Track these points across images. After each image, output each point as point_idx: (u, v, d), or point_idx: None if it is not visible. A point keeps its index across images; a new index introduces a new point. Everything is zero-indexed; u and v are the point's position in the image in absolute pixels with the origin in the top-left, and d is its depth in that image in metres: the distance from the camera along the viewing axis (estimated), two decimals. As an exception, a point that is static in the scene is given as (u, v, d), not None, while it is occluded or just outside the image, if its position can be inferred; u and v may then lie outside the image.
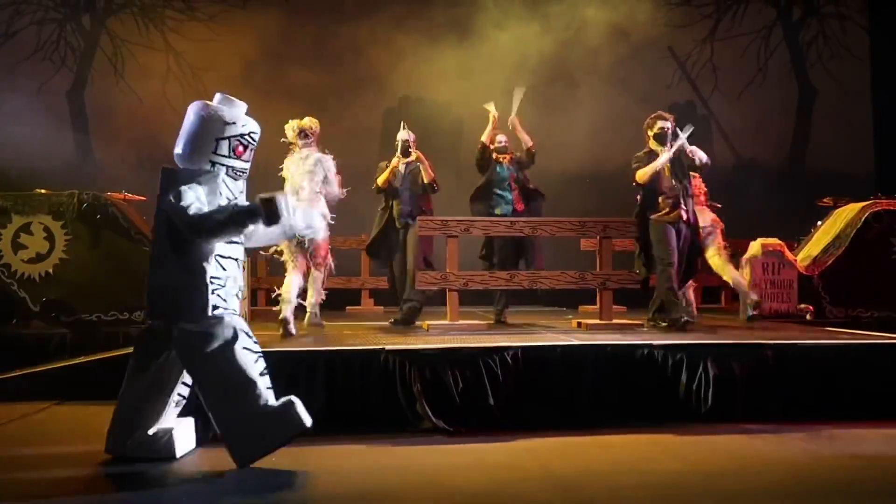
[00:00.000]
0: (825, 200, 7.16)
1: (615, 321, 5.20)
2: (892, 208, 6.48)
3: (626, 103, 10.00)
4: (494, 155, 5.71)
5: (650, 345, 4.14)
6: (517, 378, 3.98)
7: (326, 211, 5.06)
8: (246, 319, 5.98)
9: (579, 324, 5.32)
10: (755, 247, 6.50)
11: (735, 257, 6.48)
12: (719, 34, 10.63)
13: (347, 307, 7.58)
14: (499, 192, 5.67)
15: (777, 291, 6.32)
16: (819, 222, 7.04)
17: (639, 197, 5.28)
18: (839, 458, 3.34)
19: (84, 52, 10.01)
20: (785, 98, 10.49)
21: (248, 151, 3.37)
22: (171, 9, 10.14)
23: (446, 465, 3.26)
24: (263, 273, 7.76)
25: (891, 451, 3.44)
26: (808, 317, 6.30)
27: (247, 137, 3.35)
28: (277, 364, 3.87)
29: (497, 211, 5.63)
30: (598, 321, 5.20)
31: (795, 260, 6.53)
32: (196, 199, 3.18)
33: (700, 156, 5.15)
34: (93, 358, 4.91)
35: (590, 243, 6.91)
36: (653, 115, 5.39)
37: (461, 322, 5.11)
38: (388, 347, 3.98)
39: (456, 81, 9.90)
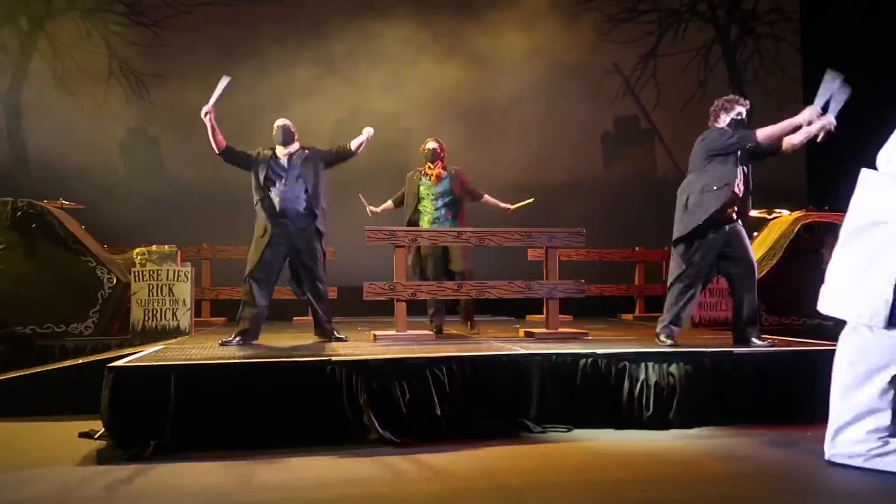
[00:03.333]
0: (760, 212, 7.44)
1: (561, 330, 5.29)
2: (821, 220, 6.77)
3: (573, 116, 10.27)
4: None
5: (594, 353, 4.23)
6: (464, 388, 4.01)
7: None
8: (188, 331, 5.96)
9: (526, 333, 5.39)
10: (695, 257, 6.70)
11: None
12: (661, 50, 10.99)
13: (294, 318, 7.50)
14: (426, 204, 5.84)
15: (716, 300, 6.55)
16: (755, 233, 7.30)
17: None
18: (773, 461, 3.46)
19: (20, 56, 9.69)
20: (723, 114, 10.87)
21: None
22: (115, 13, 9.92)
23: (392, 477, 3.25)
24: (208, 282, 7.62)
25: (821, 454, 3.58)
26: (744, 325, 6.51)
27: None
28: (219, 376, 3.81)
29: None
30: (544, 330, 5.28)
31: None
32: None
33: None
34: (27, 372, 4.72)
35: (537, 253, 7.02)
36: (728, 98, 4.98)
37: (409, 332, 5.12)
38: (334, 359, 3.96)
39: (406, 92, 10.01)
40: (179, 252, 6.35)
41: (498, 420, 4.02)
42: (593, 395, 4.17)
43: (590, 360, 4.20)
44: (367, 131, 5.19)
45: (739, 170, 4.71)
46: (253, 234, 5.09)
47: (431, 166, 5.88)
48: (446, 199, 5.85)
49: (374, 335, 5.16)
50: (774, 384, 4.29)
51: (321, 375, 3.90)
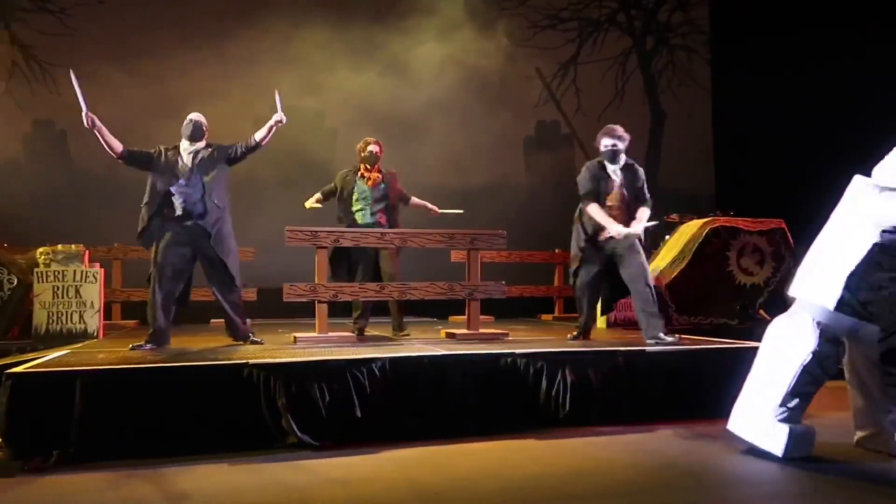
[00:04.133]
0: (672, 217, 7.76)
1: (482, 331, 5.35)
2: (728, 225, 7.12)
3: (494, 121, 10.43)
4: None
5: (513, 353, 4.31)
6: (385, 389, 4.01)
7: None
8: (96, 334, 5.69)
9: (448, 334, 5.43)
10: (611, 259, 6.94)
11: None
12: (582, 58, 11.30)
13: (212, 320, 7.27)
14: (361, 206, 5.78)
15: (630, 301, 6.77)
16: (667, 236, 7.62)
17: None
18: (681, 456, 3.62)
19: None
20: (639, 121, 11.31)
21: None
22: (19, -3, 9.36)
23: (311, 481, 3.22)
24: (119, 284, 7.30)
25: (727, 447, 3.78)
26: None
27: None
28: (129, 382, 3.67)
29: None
30: (465, 331, 5.33)
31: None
32: None
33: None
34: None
35: (459, 255, 7.08)
36: (605, 129, 5.29)
37: (330, 334, 5.07)
38: (251, 361, 3.87)
39: (329, 91, 9.93)
40: (87, 252, 6.05)
41: (418, 421, 4.04)
42: (512, 395, 4.25)
43: (509, 360, 4.28)
44: (277, 116, 4.91)
45: (614, 194, 5.20)
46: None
47: (370, 168, 5.76)
48: (382, 205, 5.79)
49: (295, 337, 5.08)
50: (685, 381, 4.49)
51: (238, 379, 3.81)
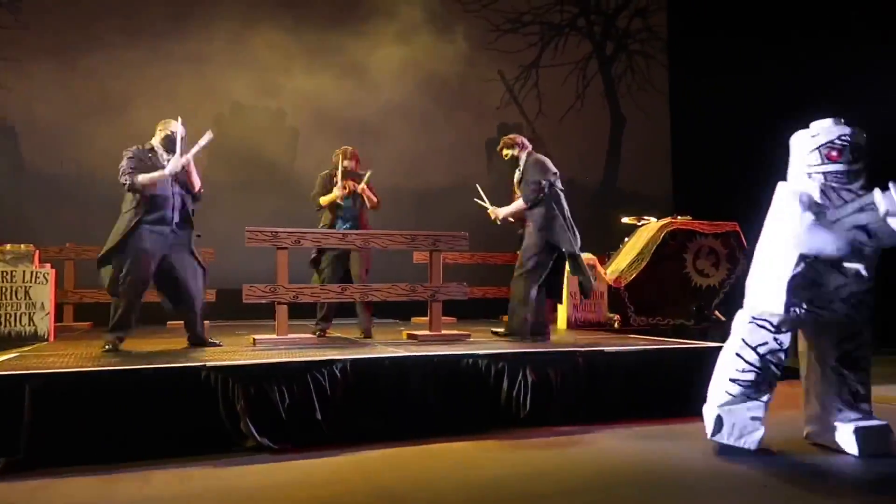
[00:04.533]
0: (631, 219, 7.89)
1: (444, 332, 5.36)
2: (684, 227, 7.28)
3: (458, 123, 10.47)
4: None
5: (475, 354, 4.33)
6: (346, 391, 3.98)
7: None
8: (47, 337, 5.52)
9: (409, 335, 5.42)
10: (572, 261, 7.03)
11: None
12: (544, 62, 11.41)
13: (168, 322, 7.13)
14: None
15: (590, 302, 6.87)
16: (626, 238, 7.74)
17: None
18: (637, 454, 3.68)
19: None
20: (599, 124, 11.49)
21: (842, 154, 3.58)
22: (-34, -10, 9.03)
23: (270, 485, 3.17)
24: (72, 285, 7.10)
25: (684, 445, 3.85)
26: (615, 325, 6.90)
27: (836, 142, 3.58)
28: (81, 386, 3.57)
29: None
30: (427, 332, 5.33)
31: (605, 273, 7.14)
32: None
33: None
34: None
35: (422, 256, 7.08)
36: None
37: (290, 336, 5.01)
38: (209, 364, 3.81)
39: (286, 93, 9.83)
40: (38, 252, 5.87)
41: (380, 422, 4.02)
42: (474, 396, 4.26)
43: (470, 360, 4.29)
44: (206, 137, 4.82)
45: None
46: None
47: (344, 182, 5.79)
48: (355, 213, 5.84)
49: (254, 339, 5.01)
50: (643, 381, 4.56)
51: (195, 382, 3.74)
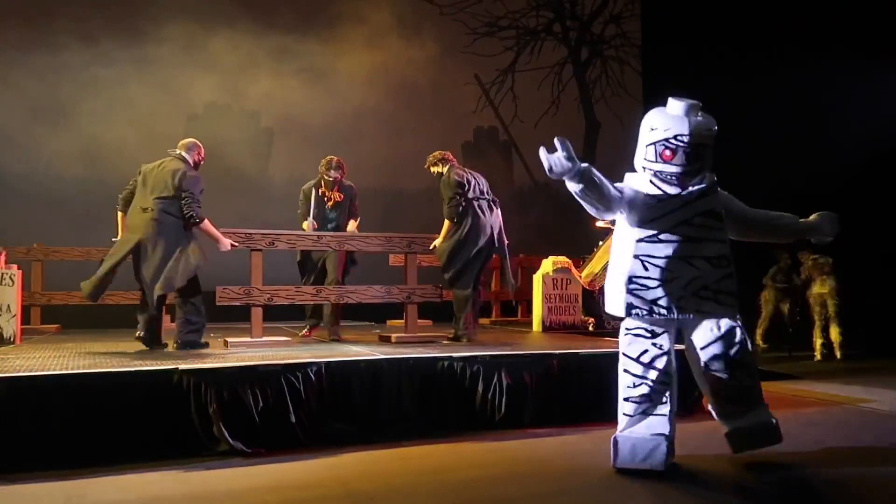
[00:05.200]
0: (605, 223, 7.95)
1: (420, 334, 5.36)
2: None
3: (434, 126, 10.47)
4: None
5: (450, 357, 4.32)
6: (320, 394, 3.95)
7: None
8: (13, 340, 5.40)
9: (381, 337, 5.40)
10: (547, 264, 7.06)
11: (530, 273, 6.99)
12: (519, 66, 11.48)
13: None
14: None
15: (565, 305, 6.92)
16: (600, 242, 7.80)
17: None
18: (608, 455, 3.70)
19: None
20: (574, 129, 11.58)
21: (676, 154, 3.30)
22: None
23: (243, 489, 3.14)
24: (39, 287, 6.95)
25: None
26: (590, 328, 6.95)
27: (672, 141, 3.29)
28: (49, 389, 3.49)
29: None
30: (403, 334, 5.32)
31: (580, 276, 7.19)
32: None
33: None
34: None
35: (398, 259, 7.06)
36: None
37: (265, 339, 4.97)
38: (181, 367, 3.75)
39: (268, 90, 9.77)
40: (4, 252, 5.74)
41: (354, 426, 4.00)
42: (449, 398, 4.26)
43: (446, 363, 4.29)
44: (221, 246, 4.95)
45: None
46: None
47: (329, 193, 5.88)
48: (335, 223, 5.92)
49: (226, 342, 4.95)
50: (617, 383, 4.58)
51: (167, 385, 3.68)
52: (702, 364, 3.43)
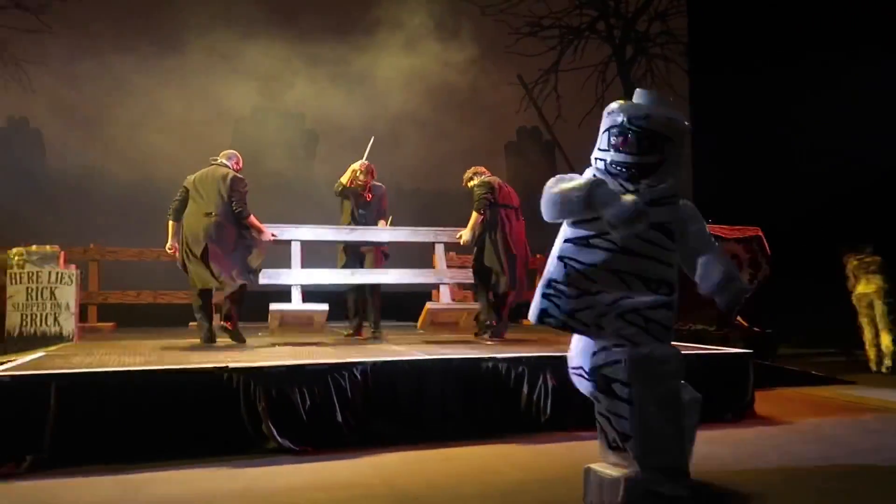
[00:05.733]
0: (651, 223, 7.82)
1: (455, 305, 5.86)
2: (706, 232, 7.20)
3: (481, 125, 10.47)
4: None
5: (494, 358, 4.31)
6: (365, 394, 3.99)
7: None
8: (72, 337, 5.60)
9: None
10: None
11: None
12: (563, 65, 11.40)
13: (190, 323, 7.18)
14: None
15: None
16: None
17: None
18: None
19: None
20: (619, 128, 11.40)
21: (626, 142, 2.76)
22: (-8, -7, 9.22)
23: (290, 486, 3.19)
24: (96, 286, 7.20)
25: (698, 450, 3.81)
26: (636, 330, 6.83)
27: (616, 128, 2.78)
28: (106, 385, 3.61)
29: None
30: (438, 304, 5.80)
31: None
32: None
33: None
34: None
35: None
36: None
37: (305, 307, 5.46)
38: (231, 365, 3.83)
39: (306, 96, 9.91)
40: (63, 253, 5.96)
41: (399, 426, 4.02)
42: (493, 399, 4.25)
43: (490, 364, 4.28)
44: (265, 236, 5.51)
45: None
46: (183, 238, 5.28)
47: (361, 193, 6.20)
48: (365, 222, 6.18)
49: (270, 306, 5.40)
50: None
51: (217, 383, 3.76)
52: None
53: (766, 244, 7.24)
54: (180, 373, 3.79)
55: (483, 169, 6.10)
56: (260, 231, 5.38)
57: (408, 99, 10.08)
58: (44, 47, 9.14)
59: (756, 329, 7.17)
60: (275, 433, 3.71)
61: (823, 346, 8.61)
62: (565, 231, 2.81)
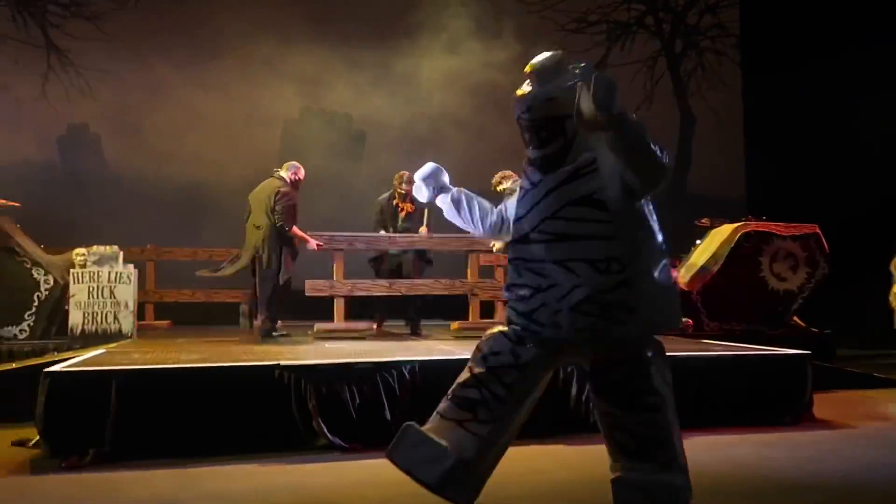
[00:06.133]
0: (703, 221, 7.67)
1: (481, 321, 5.83)
2: (760, 229, 7.02)
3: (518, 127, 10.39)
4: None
5: (542, 358, 4.28)
6: (414, 392, 4.01)
7: None
8: (130, 335, 5.79)
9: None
10: (641, 264, 6.86)
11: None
12: (611, 61, 11.23)
13: (242, 321, 7.36)
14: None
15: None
16: (698, 241, 7.53)
17: None
18: (711, 463, 3.57)
19: (-47, 45, 9.27)
20: (668, 124, 11.21)
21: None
22: (54, 3, 9.58)
23: (341, 483, 3.23)
24: (152, 285, 7.42)
25: (756, 453, 3.72)
26: (688, 330, 6.72)
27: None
28: (163, 382, 3.72)
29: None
30: (464, 323, 6.09)
31: (679, 277, 6.95)
32: None
33: None
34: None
35: (486, 258, 7.08)
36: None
37: (347, 324, 5.84)
38: (282, 363, 3.90)
39: (347, 99, 10.01)
40: (121, 252, 6.17)
41: (447, 424, 4.03)
42: (541, 399, 4.20)
43: (538, 364, 4.25)
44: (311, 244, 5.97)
45: None
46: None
47: (402, 204, 6.42)
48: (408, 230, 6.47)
49: (315, 327, 5.77)
50: (715, 388, 4.42)
51: (269, 380, 3.84)
52: (592, 397, 2.71)
53: (825, 242, 7.00)
54: (233, 370, 3.88)
55: (510, 173, 6.01)
56: (306, 241, 5.76)
57: (449, 99, 10.08)
58: (102, 55, 9.46)
59: (814, 329, 6.96)
60: (325, 430, 3.76)
61: (886, 348, 8.28)
62: (512, 232, 2.67)
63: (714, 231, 7.39)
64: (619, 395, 2.56)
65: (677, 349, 4.78)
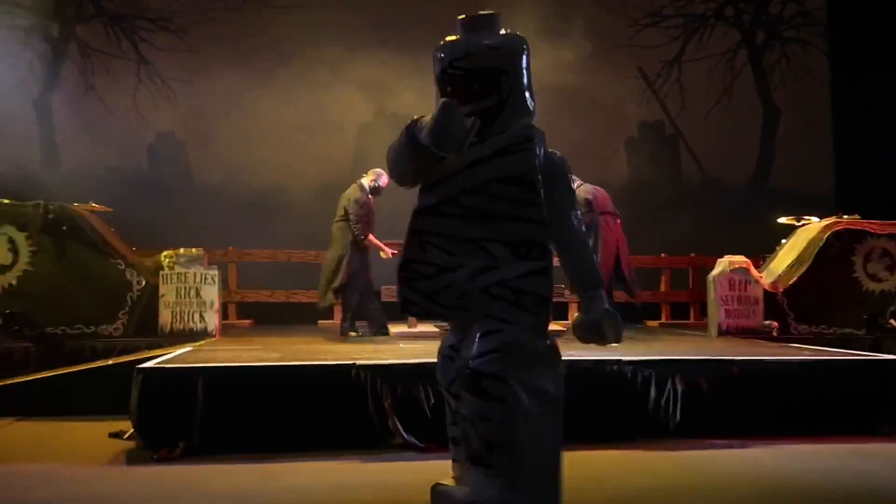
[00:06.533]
0: (789, 219, 7.34)
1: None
2: (852, 227, 6.66)
3: (596, 123, 10.22)
4: None
5: (620, 360, 4.19)
6: (488, 393, 4.00)
7: None
8: (214, 333, 6.02)
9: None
10: (722, 264, 6.63)
11: (703, 274, 6.61)
12: (687, 55, 10.89)
13: (319, 321, 7.54)
14: None
15: (743, 308, 6.45)
16: (783, 240, 7.21)
17: None
18: (799, 473, 3.41)
19: (52, 61, 9.86)
20: (750, 119, 10.77)
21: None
22: (143, 18, 10.07)
23: (417, 482, 3.24)
24: (234, 285, 7.70)
25: (848, 465, 3.52)
26: (773, 333, 6.43)
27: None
28: (246, 379, 3.85)
29: None
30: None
31: (761, 277, 6.68)
32: None
33: None
34: (57, 372, 4.80)
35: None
36: None
37: (418, 328, 5.84)
38: (358, 363, 3.97)
39: (412, 103, 10.06)
40: (206, 255, 6.42)
41: (522, 426, 4.00)
42: (619, 402, 4.13)
43: (615, 367, 4.17)
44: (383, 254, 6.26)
45: None
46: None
47: None
48: None
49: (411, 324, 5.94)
50: (806, 394, 4.21)
51: (346, 379, 3.91)
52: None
53: (923, 240, 6.58)
54: (312, 368, 3.98)
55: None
56: (380, 249, 6.02)
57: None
58: (188, 66, 9.88)
59: (912, 333, 6.54)
60: (400, 429, 3.80)
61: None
62: (418, 200, 2.36)
63: (800, 230, 7.06)
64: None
65: (763, 353, 4.60)
